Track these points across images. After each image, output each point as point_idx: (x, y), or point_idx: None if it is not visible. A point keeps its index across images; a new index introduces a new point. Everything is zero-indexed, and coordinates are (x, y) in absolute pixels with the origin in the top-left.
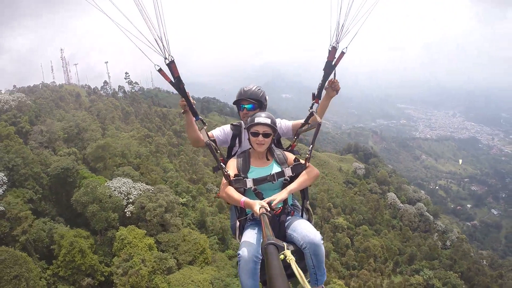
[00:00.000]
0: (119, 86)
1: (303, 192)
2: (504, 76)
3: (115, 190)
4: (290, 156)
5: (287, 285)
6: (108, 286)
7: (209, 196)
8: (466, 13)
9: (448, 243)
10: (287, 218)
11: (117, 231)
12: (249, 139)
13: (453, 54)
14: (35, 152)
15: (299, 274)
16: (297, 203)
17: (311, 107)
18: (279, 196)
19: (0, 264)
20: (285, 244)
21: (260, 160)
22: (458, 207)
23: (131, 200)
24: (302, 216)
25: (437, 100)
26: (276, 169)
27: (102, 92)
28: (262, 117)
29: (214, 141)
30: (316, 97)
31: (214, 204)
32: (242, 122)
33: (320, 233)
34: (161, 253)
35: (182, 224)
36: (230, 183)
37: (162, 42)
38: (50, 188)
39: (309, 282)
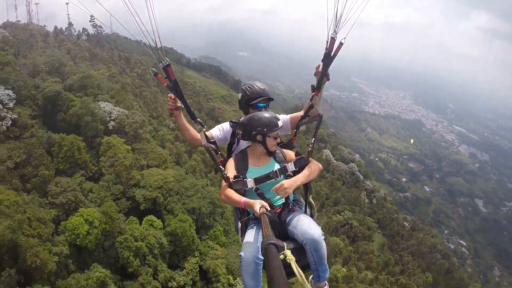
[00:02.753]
0: (83, 29)
1: (306, 186)
2: (457, 71)
3: (100, 109)
4: (290, 154)
5: (287, 286)
6: (95, 180)
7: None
8: (434, 4)
9: (374, 201)
10: (289, 214)
11: (103, 139)
12: (263, 142)
13: (413, 41)
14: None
15: (299, 273)
16: (300, 198)
17: (311, 99)
18: (293, 183)
19: (31, 146)
20: (285, 244)
21: (259, 160)
22: (394, 179)
23: (113, 117)
24: (305, 211)
25: (391, 80)
26: (276, 167)
27: (66, 33)
28: (279, 121)
29: (214, 142)
30: (315, 89)
31: (172, 134)
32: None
33: None
34: (136, 155)
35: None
36: (230, 185)
37: (157, 46)
38: (42, 109)
39: (312, 278)
